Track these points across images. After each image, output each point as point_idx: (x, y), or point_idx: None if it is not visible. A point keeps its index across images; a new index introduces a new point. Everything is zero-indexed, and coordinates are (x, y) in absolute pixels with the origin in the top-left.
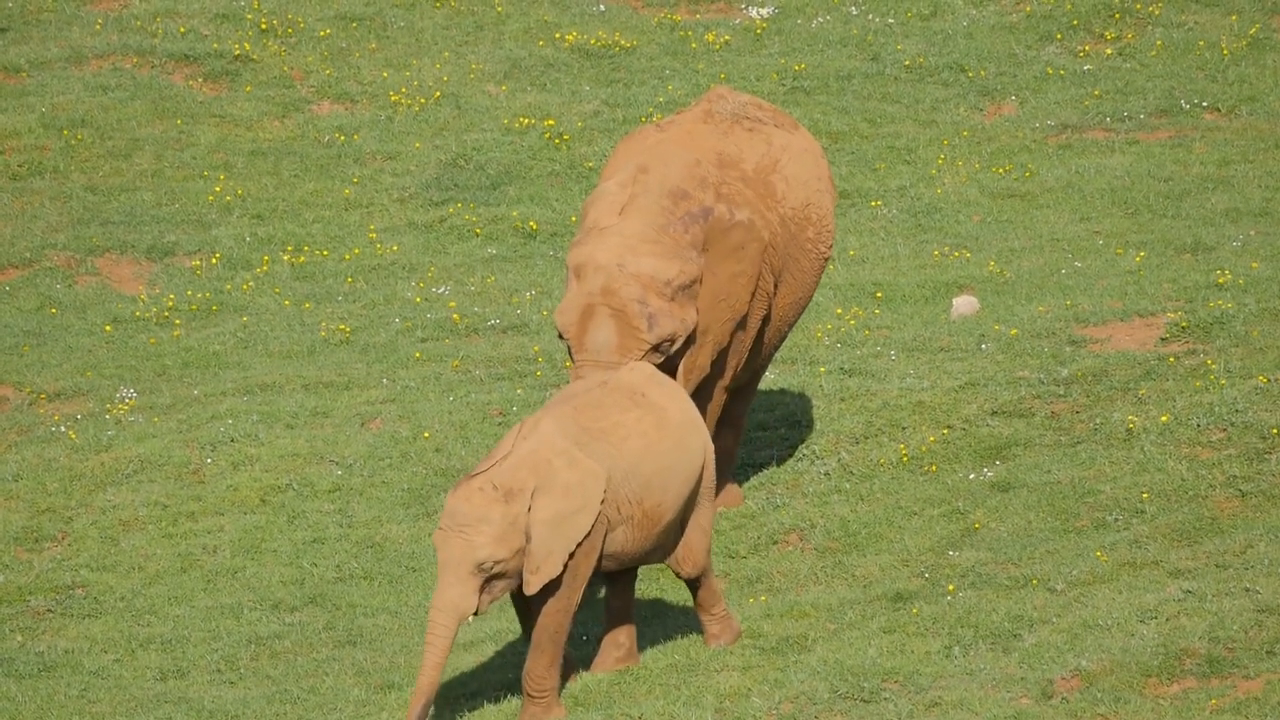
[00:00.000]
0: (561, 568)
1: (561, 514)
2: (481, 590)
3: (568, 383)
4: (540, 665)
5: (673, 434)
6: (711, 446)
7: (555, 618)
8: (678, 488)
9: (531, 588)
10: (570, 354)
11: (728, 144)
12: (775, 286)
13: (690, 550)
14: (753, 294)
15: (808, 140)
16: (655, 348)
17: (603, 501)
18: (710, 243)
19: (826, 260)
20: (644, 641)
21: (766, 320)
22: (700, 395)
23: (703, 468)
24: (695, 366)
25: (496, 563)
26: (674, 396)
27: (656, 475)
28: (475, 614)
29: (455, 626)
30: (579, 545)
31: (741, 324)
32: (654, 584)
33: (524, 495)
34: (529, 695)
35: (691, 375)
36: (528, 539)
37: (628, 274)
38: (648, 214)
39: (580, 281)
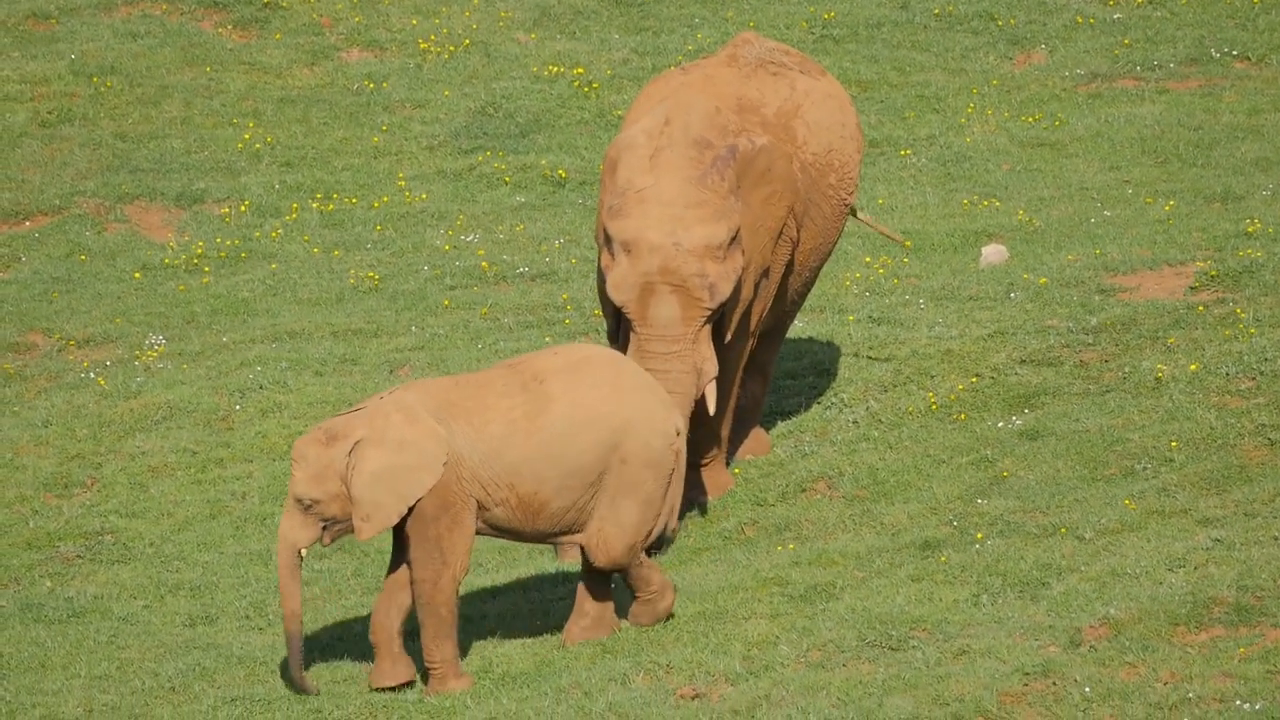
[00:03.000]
0: (395, 520)
1: (392, 467)
2: (323, 528)
3: (596, 330)
4: (427, 638)
5: (548, 426)
6: (641, 446)
7: (424, 588)
8: (557, 479)
9: (361, 535)
10: (632, 327)
11: (749, 88)
12: (798, 231)
13: (603, 543)
14: (789, 209)
15: (833, 86)
16: (715, 310)
17: (461, 478)
18: (741, 176)
19: (849, 207)
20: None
21: (789, 266)
22: (725, 340)
23: (606, 465)
24: (741, 300)
25: (313, 501)
26: (573, 390)
27: (526, 463)
28: (322, 545)
29: (289, 556)
30: (430, 509)
31: (765, 271)
32: (681, 529)
33: (346, 442)
34: (426, 668)
35: (737, 310)
36: (347, 486)
37: (684, 251)
38: (680, 168)
39: (634, 259)
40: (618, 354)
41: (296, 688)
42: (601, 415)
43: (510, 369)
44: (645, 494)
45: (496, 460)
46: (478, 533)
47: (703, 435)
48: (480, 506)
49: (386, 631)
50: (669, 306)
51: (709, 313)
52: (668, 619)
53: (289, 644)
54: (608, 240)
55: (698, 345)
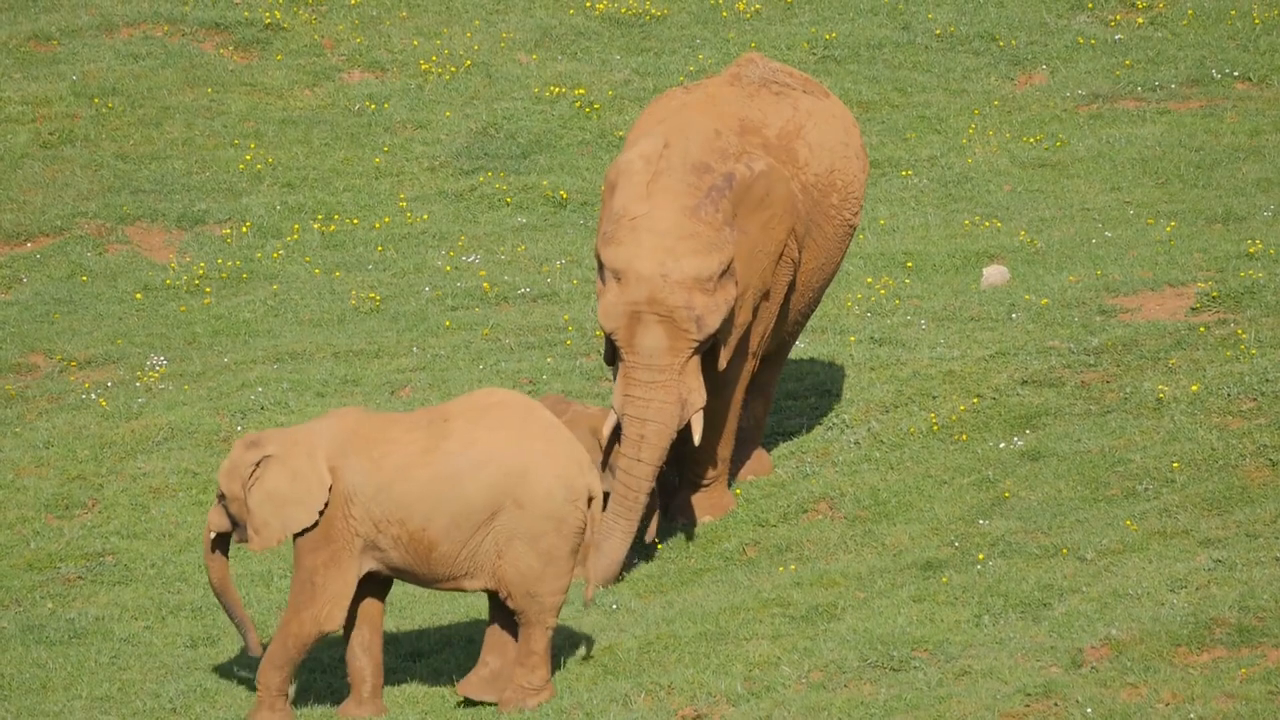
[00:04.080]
0: (277, 543)
1: (280, 495)
2: (232, 524)
3: (597, 352)
4: (265, 660)
5: (439, 463)
6: (541, 495)
7: (287, 614)
8: (445, 520)
9: (252, 545)
10: (619, 354)
11: (752, 109)
12: (799, 252)
13: (507, 587)
14: (789, 232)
15: (837, 107)
16: (703, 342)
17: (350, 517)
18: (738, 205)
19: (854, 228)
20: (673, 610)
21: (791, 287)
22: (729, 363)
23: (498, 507)
24: (737, 325)
25: (221, 494)
26: (472, 430)
27: (415, 499)
28: (236, 540)
29: (207, 535)
30: (309, 543)
31: (765, 294)
32: (681, 551)
33: (257, 453)
34: (258, 690)
35: (734, 336)
36: (245, 494)
37: (672, 282)
38: (676, 196)
39: (623, 287)
40: (535, 403)
41: (250, 651)
42: (495, 457)
43: (431, 408)
44: (546, 546)
45: (388, 494)
46: (384, 574)
47: (702, 455)
48: (374, 546)
49: (357, 671)
50: (655, 336)
51: (696, 344)
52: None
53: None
54: (600, 266)
55: (684, 376)
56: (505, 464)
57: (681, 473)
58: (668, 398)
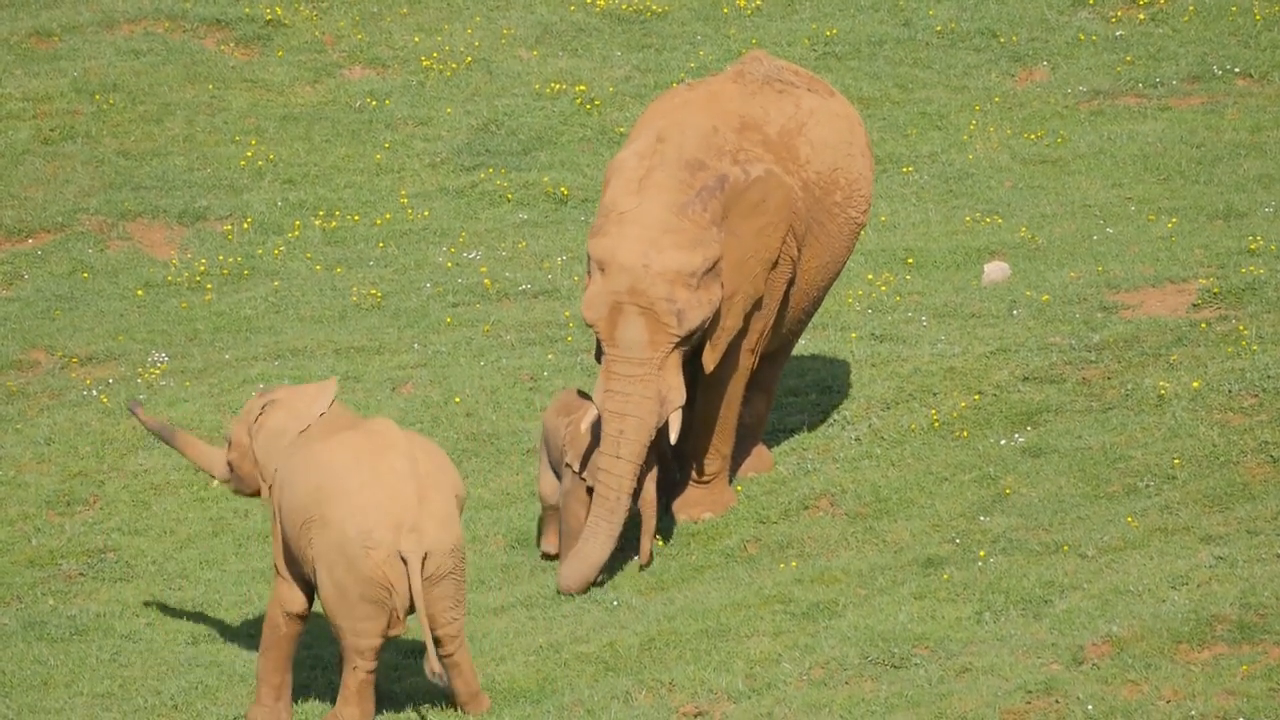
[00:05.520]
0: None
1: (281, 431)
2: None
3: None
4: (261, 660)
5: (301, 456)
6: (333, 522)
7: (269, 608)
8: (285, 509)
9: (246, 489)
10: (599, 346)
11: (753, 106)
12: (799, 250)
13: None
14: (784, 239)
15: (841, 105)
16: (684, 338)
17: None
18: (729, 208)
19: (860, 226)
20: (674, 606)
21: (792, 284)
22: (727, 360)
23: (308, 517)
24: (725, 329)
25: (230, 442)
26: (326, 437)
27: (278, 488)
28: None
29: (175, 442)
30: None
31: (758, 301)
32: (682, 547)
33: (266, 399)
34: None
35: (721, 338)
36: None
37: (653, 273)
38: (666, 192)
39: (606, 277)
40: (409, 443)
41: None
42: (322, 464)
43: (375, 421)
44: (337, 578)
45: (290, 488)
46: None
47: (703, 452)
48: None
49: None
50: (636, 329)
51: (676, 339)
52: None
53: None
54: (588, 258)
55: (664, 372)
56: (323, 478)
57: (682, 469)
58: (647, 393)
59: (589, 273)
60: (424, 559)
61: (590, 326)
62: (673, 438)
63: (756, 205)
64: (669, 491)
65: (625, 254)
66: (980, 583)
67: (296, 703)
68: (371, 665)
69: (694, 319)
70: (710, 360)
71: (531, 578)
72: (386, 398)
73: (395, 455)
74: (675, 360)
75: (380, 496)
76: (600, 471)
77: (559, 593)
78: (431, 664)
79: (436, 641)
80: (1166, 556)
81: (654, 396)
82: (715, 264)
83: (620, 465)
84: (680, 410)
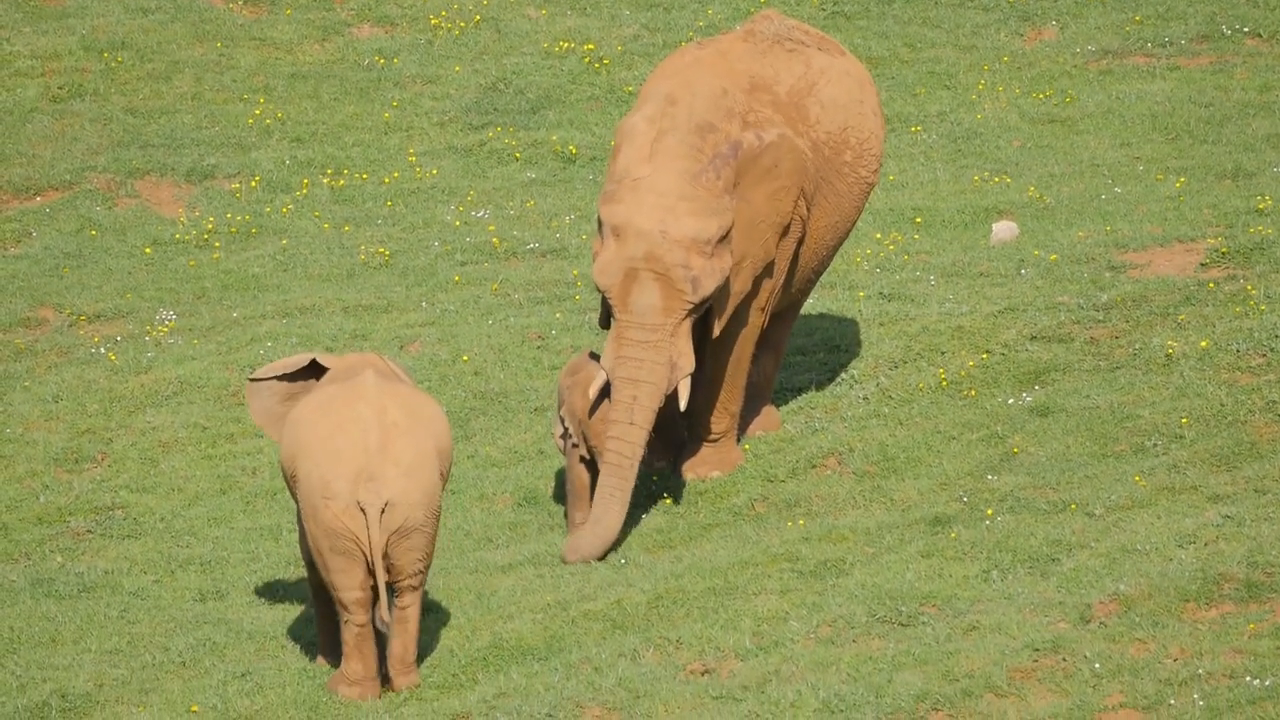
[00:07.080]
0: None
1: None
2: None
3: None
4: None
5: (307, 401)
6: (305, 471)
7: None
8: (286, 451)
9: None
10: (612, 311)
11: (763, 65)
12: (808, 210)
13: None
14: (795, 202)
15: (852, 65)
16: (697, 305)
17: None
18: (742, 174)
19: (871, 185)
20: (682, 565)
21: (801, 244)
22: (737, 319)
23: (293, 469)
24: (733, 294)
25: None
26: (323, 388)
27: (300, 448)
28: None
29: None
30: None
31: (768, 264)
32: (690, 506)
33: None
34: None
35: (729, 304)
36: None
37: (670, 240)
38: (678, 159)
39: (621, 243)
40: (380, 393)
41: None
42: (298, 420)
43: (379, 378)
44: (312, 526)
45: (288, 441)
46: None
47: (711, 410)
48: None
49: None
50: (650, 294)
51: (690, 306)
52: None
53: None
54: (599, 224)
55: (675, 339)
56: (298, 433)
57: (690, 428)
58: (659, 358)
59: (601, 237)
60: (386, 509)
61: (603, 292)
62: (682, 405)
63: (769, 170)
64: (677, 450)
65: (642, 220)
66: (988, 541)
67: (307, 661)
68: (361, 618)
69: (708, 286)
70: (717, 325)
71: (539, 536)
72: (394, 356)
73: (362, 405)
74: (686, 328)
75: (340, 445)
76: (613, 439)
77: (567, 561)
78: (382, 612)
79: (393, 591)
80: (1174, 515)
81: (665, 363)
82: (728, 233)
83: (633, 432)
84: (689, 377)
